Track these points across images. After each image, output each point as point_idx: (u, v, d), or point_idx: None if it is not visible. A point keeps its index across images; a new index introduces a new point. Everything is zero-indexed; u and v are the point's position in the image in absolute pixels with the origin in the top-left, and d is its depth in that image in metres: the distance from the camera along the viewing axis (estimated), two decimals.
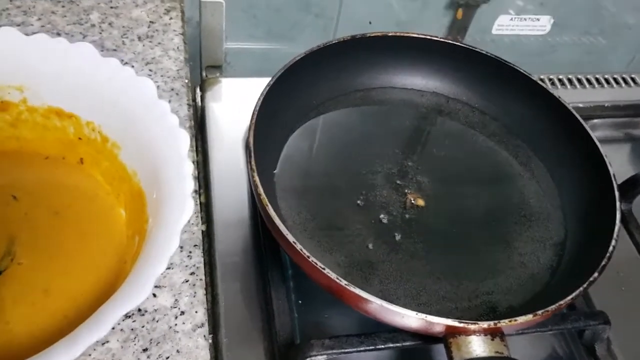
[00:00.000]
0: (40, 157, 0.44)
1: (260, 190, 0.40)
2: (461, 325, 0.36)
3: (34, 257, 0.39)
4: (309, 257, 0.37)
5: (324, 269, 0.36)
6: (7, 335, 0.36)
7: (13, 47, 0.41)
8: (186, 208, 0.34)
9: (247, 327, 0.43)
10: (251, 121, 0.44)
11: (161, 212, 0.36)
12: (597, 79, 0.70)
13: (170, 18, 0.60)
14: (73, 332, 0.29)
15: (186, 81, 0.56)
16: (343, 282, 0.36)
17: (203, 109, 0.56)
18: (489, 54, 0.54)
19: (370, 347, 0.40)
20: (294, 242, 0.38)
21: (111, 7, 0.60)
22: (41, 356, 0.28)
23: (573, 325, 0.44)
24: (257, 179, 0.41)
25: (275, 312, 0.44)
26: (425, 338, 0.40)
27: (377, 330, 0.41)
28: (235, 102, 0.58)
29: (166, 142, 0.38)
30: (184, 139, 0.38)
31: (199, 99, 0.57)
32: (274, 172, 0.48)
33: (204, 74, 0.60)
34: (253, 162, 0.41)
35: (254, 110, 0.44)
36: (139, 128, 0.40)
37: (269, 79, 0.60)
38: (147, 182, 0.40)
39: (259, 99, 0.45)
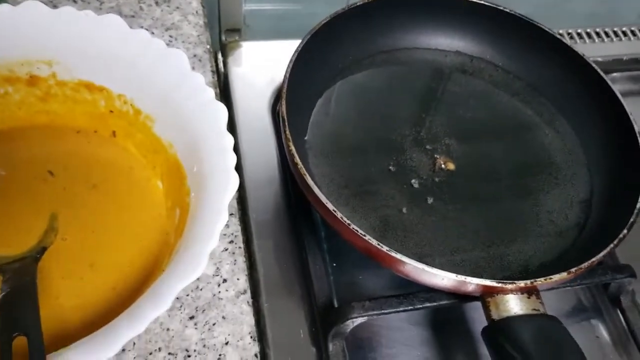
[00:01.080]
0: (71, 131, 0.44)
1: (297, 159, 0.40)
2: (499, 285, 0.38)
3: (77, 232, 0.40)
4: (349, 224, 0.38)
5: (364, 235, 0.37)
6: (58, 309, 0.37)
7: (40, 21, 0.40)
8: (231, 182, 0.35)
9: (285, 292, 0.44)
10: (282, 89, 0.43)
11: (204, 186, 0.36)
12: (614, 32, 0.69)
13: None
14: (133, 307, 0.30)
15: (208, 47, 0.55)
16: (385, 248, 0.37)
17: (226, 74, 0.56)
18: (511, 12, 0.54)
19: (409, 308, 0.41)
20: (334, 210, 0.38)
21: None
22: (105, 331, 0.29)
23: (600, 279, 0.45)
24: (292, 148, 0.41)
25: (312, 276, 0.45)
26: (461, 297, 0.41)
27: (413, 291, 0.42)
28: (257, 66, 0.57)
29: (203, 115, 0.39)
30: (222, 112, 0.38)
31: (221, 65, 0.57)
32: (305, 138, 0.48)
33: (223, 37, 0.59)
34: (288, 132, 0.41)
35: (284, 78, 0.44)
36: (173, 100, 0.40)
37: (289, 41, 0.60)
38: (185, 154, 0.40)
39: (289, 65, 0.45)
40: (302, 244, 0.47)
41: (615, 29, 0.70)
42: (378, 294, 0.45)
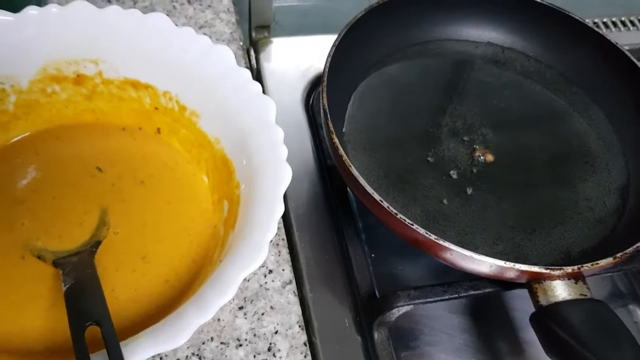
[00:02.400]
0: (117, 128, 0.45)
1: (342, 151, 0.41)
2: (547, 271, 0.38)
3: (127, 226, 0.41)
4: (397, 214, 0.38)
5: (412, 225, 0.38)
6: (114, 301, 0.38)
7: (86, 21, 0.41)
8: (285, 173, 0.35)
9: (328, 282, 0.45)
10: (322, 83, 0.44)
11: (256, 178, 0.37)
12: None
13: None
14: (198, 296, 0.31)
15: (241, 44, 0.56)
16: (433, 237, 0.37)
17: (259, 70, 0.57)
18: (542, 1, 0.54)
19: (454, 296, 0.42)
20: (380, 200, 0.39)
21: None
22: (174, 319, 0.30)
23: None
24: (336, 140, 0.41)
25: (354, 266, 0.46)
26: (506, 284, 0.42)
27: (455, 279, 0.43)
28: (288, 61, 0.58)
29: (250, 109, 0.39)
30: (271, 106, 0.38)
31: (253, 61, 0.57)
32: (342, 131, 0.48)
33: (253, 34, 0.60)
34: (331, 125, 0.42)
35: (323, 72, 0.45)
36: (219, 96, 0.41)
37: (318, 36, 0.61)
38: (233, 149, 0.41)
39: (327, 59, 0.45)
40: (341, 235, 0.48)
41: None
42: (417, 284, 0.46)
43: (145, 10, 0.56)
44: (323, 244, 0.47)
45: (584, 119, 0.53)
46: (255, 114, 0.39)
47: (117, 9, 0.41)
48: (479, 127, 0.51)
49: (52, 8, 0.40)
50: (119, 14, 0.41)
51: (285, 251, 0.45)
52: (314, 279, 0.45)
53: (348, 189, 0.48)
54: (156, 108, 0.44)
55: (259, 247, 0.32)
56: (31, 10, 0.40)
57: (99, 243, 0.39)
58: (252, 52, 0.58)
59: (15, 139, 0.43)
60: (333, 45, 0.46)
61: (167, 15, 0.57)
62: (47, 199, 0.41)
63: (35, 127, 0.44)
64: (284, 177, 0.35)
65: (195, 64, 0.41)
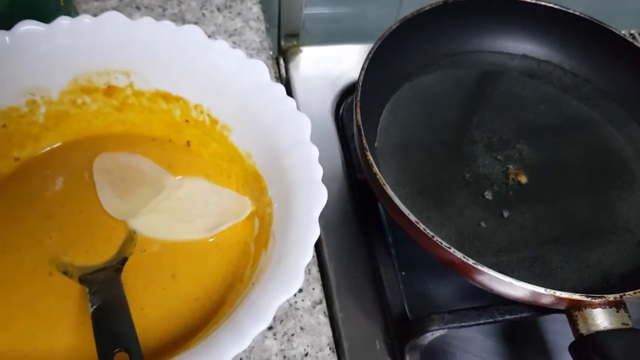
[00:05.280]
0: (146, 139, 0.45)
1: (376, 169, 0.40)
2: (588, 299, 0.37)
3: (155, 243, 0.40)
4: (433, 236, 0.37)
5: (449, 248, 0.37)
6: (143, 320, 0.37)
7: (119, 32, 0.40)
8: (320, 194, 0.34)
9: (358, 301, 0.44)
10: (356, 98, 0.43)
11: (290, 197, 0.36)
12: None
13: None
14: (233, 322, 0.30)
15: (270, 52, 0.55)
16: (471, 262, 0.36)
17: (288, 80, 0.56)
18: (579, 14, 0.52)
19: (490, 320, 0.40)
20: (416, 221, 0.38)
21: None
22: (208, 346, 0.29)
23: None
24: (370, 158, 0.40)
25: (385, 286, 0.45)
26: (543, 309, 0.40)
27: (491, 302, 0.41)
28: (317, 70, 0.57)
29: (284, 126, 0.38)
30: (305, 123, 0.38)
31: (282, 70, 0.56)
32: (375, 145, 0.47)
33: (282, 42, 0.59)
34: (365, 142, 0.41)
35: (357, 86, 0.44)
36: (252, 111, 0.40)
37: (347, 45, 0.60)
38: (265, 165, 0.40)
39: (360, 74, 0.44)
40: (371, 251, 0.47)
41: None
42: (450, 304, 0.45)
43: (175, 17, 0.56)
44: (353, 260, 0.46)
45: (623, 136, 0.51)
46: (289, 130, 0.38)
47: (149, 21, 0.40)
48: (515, 143, 0.50)
49: (84, 19, 0.40)
50: (152, 25, 0.40)
51: (315, 269, 0.44)
52: (344, 297, 0.44)
53: (379, 203, 0.47)
54: (187, 120, 0.43)
55: (295, 273, 0.31)
56: (63, 21, 0.39)
57: (125, 260, 0.39)
58: (281, 61, 0.57)
59: (45, 149, 0.43)
60: (366, 59, 0.45)
61: (197, 23, 0.57)
62: (75, 213, 0.41)
63: (65, 138, 0.43)
64: (320, 198, 0.34)
65: (228, 78, 0.40)
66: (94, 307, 0.34)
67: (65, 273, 0.38)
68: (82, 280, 0.37)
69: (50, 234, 0.39)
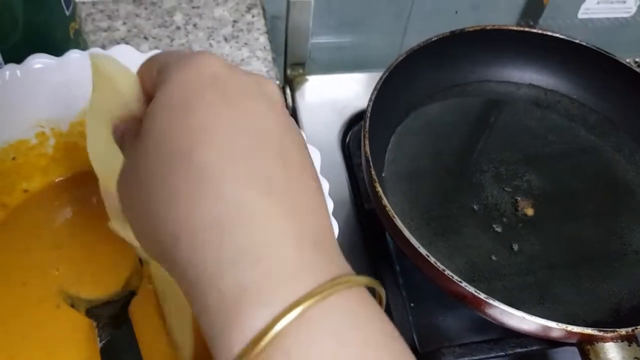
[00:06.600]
0: None
1: (385, 201, 0.40)
2: (600, 333, 0.36)
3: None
4: (444, 270, 0.37)
5: (460, 282, 0.37)
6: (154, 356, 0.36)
7: (129, 65, 0.40)
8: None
9: None
10: (364, 129, 0.43)
11: None
12: None
13: (253, 16, 0.60)
14: None
15: (277, 82, 0.56)
16: (482, 296, 0.36)
17: (294, 108, 0.56)
18: (584, 43, 0.53)
19: (501, 354, 0.40)
20: (427, 255, 0.38)
21: (193, 7, 0.59)
22: None
23: None
24: (379, 189, 0.40)
25: (393, 317, 0.44)
26: (555, 343, 0.40)
27: (503, 335, 0.41)
28: (323, 99, 0.58)
29: None
30: (315, 157, 0.38)
31: (289, 99, 0.57)
32: (383, 175, 0.47)
33: (288, 71, 0.60)
34: (373, 173, 0.41)
35: (365, 117, 0.44)
36: None
37: (352, 74, 0.60)
38: None
39: (369, 105, 0.44)
40: (379, 282, 0.46)
41: None
42: (460, 337, 0.44)
43: (182, 48, 0.56)
44: None
45: (631, 165, 0.51)
46: None
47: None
48: (523, 173, 0.49)
49: (95, 51, 0.40)
50: None
51: None
52: None
53: (386, 232, 0.47)
54: None
55: None
56: (74, 54, 0.40)
57: (133, 294, 0.38)
58: (287, 90, 0.57)
59: (53, 181, 0.43)
60: (374, 89, 0.45)
61: None
62: (83, 244, 0.40)
63: (74, 169, 0.43)
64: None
65: None
66: (103, 342, 0.34)
67: (72, 306, 0.37)
68: (90, 313, 0.37)
69: (58, 266, 0.39)
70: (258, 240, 0.20)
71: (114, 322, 0.36)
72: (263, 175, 0.21)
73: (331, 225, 0.24)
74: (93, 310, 0.37)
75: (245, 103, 0.23)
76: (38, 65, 0.38)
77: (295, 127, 0.25)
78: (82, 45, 0.48)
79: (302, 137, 0.25)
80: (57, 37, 0.45)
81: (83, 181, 0.43)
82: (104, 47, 0.41)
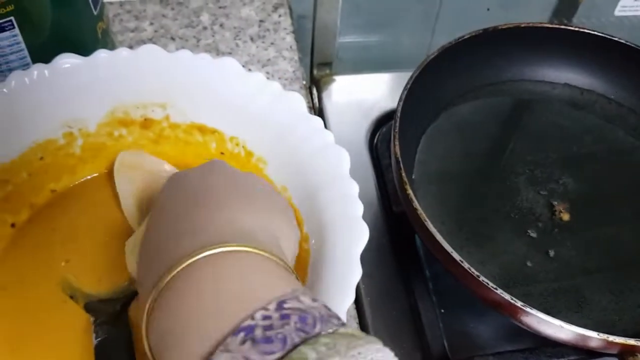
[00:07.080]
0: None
1: (416, 204, 0.39)
2: None
3: None
4: (478, 276, 0.36)
5: (496, 289, 0.35)
6: None
7: (157, 65, 0.40)
8: (361, 232, 0.33)
9: (396, 339, 0.43)
10: (394, 130, 0.42)
11: (328, 234, 0.35)
12: None
13: (279, 15, 0.59)
14: None
15: (304, 82, 0.55)
16: (519, 304, 0.35)
17: (321, 109, 0.55)
18: (623, 41, 0.51)
19: None
20: (460, 260, 0.36)
21: (220, 7, 0.59)
22: None
23: None
24: (410, 193, 0.39)
25: (424, 323, 0.43)
26: (593, 353, 0.38)
27: (538, 344, 0.39)
28: (351, 100, 0.57)
29: (321, 159, 0.37)
30: (344, 157, 0.37)
31: (316, 100, 0.56)
32: (412, 177, 0.46)
33: (314, 71, 0.59)
34: (404, 176, 0.40)
35: (395, 117, 0.43)
36: (289, 144, 0.39)
37: (380, 74, 0.59)
38: (302, 199, 0.39)
39: (399, 104, 0.43)
40: (409, 287, 0.45)
41: None
42: (493, 345, 0.43)
43: (209, 48, 0.56)
44: (389, 297, 0.45)
45: None
46: (327, 164, 0.37)
47: (187, 54, 0.40)
48: (559, 176, 0.48)
49: (122, 52, 0.40)
50: (189, 58, 0.40)
51: (352, 307, 0.43)
52: (382, 336, 0.42)
53: (416, 235, 0.45)
54: (222, 153, 0.43)
55: None
56: (101, 54, 0.39)
57: (135, 294, 0.38)
58: (314, 91, 0.56)
59: (80, 180, 0.43)
60: (404, 89, 0.44)
61: (230, 53, 0.56)
62: (100, 242, 0.39)
63: (101, 169, 0.43)
64: (360, 236, 0.33)
65: (264, 111, 0.40)
66: (99, 339, 0.34)
67: (72, 297, 0.37)
68: (88, 308, 0.36)
69: (68, 257, 0.38)
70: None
71: (112, 320, 0.35)
72: None
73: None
74: (92, 305, 0.36)
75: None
76: (66, 65, 0.38)
77: None
78: (110, 45, 0.48)
79: None
80: (84, 37, 0.45)
81: (110, 180, 0.43)
82: (131, 47, 0.40)
